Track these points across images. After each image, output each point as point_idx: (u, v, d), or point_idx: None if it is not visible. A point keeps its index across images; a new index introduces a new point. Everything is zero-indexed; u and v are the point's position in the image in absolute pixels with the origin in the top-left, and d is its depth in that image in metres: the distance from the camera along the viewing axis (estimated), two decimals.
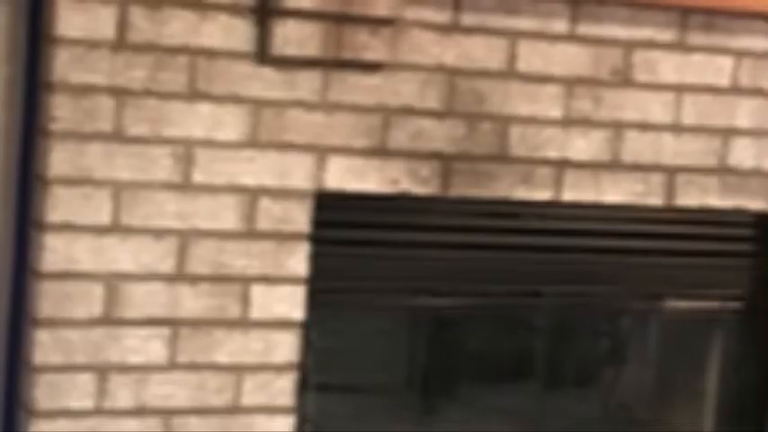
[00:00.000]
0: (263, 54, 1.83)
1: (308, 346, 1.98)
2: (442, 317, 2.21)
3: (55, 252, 1.76)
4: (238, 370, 1.89)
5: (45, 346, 1.76)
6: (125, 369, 1.81)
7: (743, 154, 2.14)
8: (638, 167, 2.09)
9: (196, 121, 1.81)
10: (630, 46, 2.06)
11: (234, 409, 1.89)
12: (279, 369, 1.91)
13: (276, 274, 1.90)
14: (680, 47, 2.09)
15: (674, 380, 2.36)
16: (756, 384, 2.32)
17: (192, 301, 1.85)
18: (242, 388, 1.89)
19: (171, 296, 1.84)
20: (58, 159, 1.74)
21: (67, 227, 1.76)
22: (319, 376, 2.06)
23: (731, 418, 2.34)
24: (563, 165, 2.04)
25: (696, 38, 2.09)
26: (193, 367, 1.86)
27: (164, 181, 1.81)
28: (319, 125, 1.89)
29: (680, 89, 2.09)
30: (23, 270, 1.82)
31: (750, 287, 2.29)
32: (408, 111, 1.94)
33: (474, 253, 2.10)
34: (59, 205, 1.76)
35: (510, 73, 2.00)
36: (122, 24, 1.75)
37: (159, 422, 1.85)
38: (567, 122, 2.04)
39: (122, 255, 1.80)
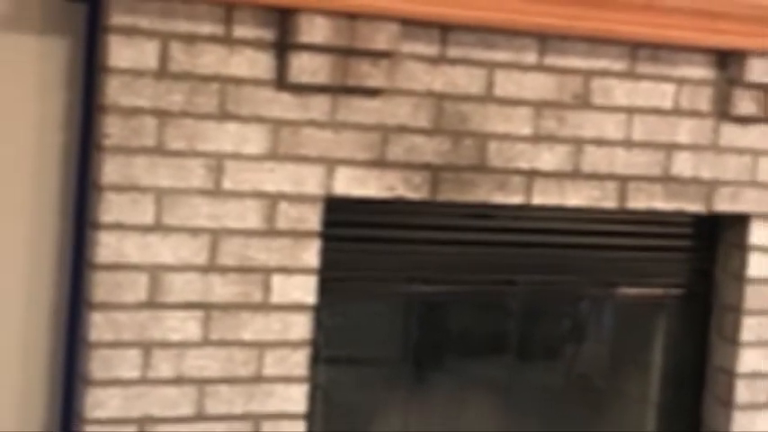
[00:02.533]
0: (281, 81, 1.83)
1: (319, 325, 1.97)
2: (432, 301, 2.20)
3: (107, 247, 1.76)
4: (261, 346, 1.89)
5: (99, 326, 1.77)
6: (166, 345, 1.82)
7: (683, 165, 2.13)
8: (595, 176, 2.07)
9: (225, 137, 1.81)
10: (589, 74, 2.05)
11: (257, 379, 1.89)
12: (294, 345, 1.91)
13: (292, 266, 1.89)
14: (630, 75, 2.08)
15: (625, 354, 2.36)
16: (694, 358, 2.31)
17: (221, 289, 1.85)
18: (264, 361, 1.89)
19: (204, 284, 1.83)
20: (110, 170, 1.74)
21: (118, 226, 1.76)
22: (328, 351, 2.05)
23: (673, 386, 2.32)
24: (532, 174, 2.03)
25: (644, 68, 2.08)
26: (223, 344, 1.86)
27: (198, 188, 1.81)
28: (328, 141, 1.88)
29: (630, 111, 2.08)
30: (81, 262, 1.81)
31: (689, 277, 2.28)
32: (403, 129, 1.93)
33: (458, 248, 2.10)
34: (111, 208, 1.76)
35: (488, 97, 1.99)
36: (163, 56, 1.76)
37: (194, 389, 1.85)
38: (536, 139, 2.03)
39: (163, 249, 1.80)
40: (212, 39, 1.77)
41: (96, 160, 1.75)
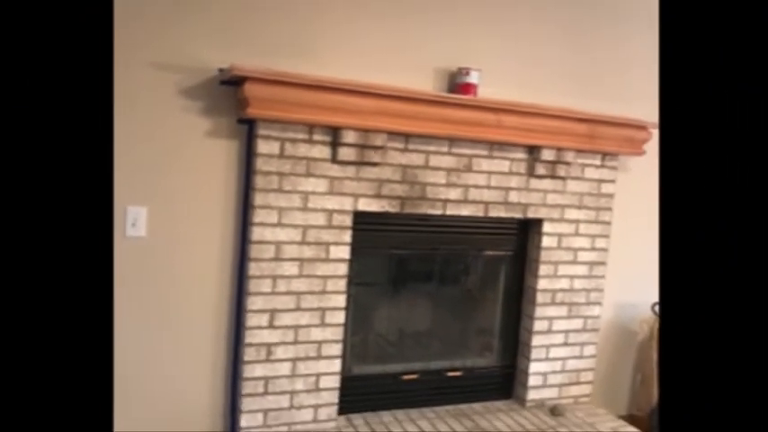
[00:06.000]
0: (333, 159, 2.12)
1: (351, 268, 2.23)
2: (402, 258, 2.45)
3: (257, 233, 2.06)
4: (325, 278, 2.18)
5: (253, 269, 2.08)
6: (282, 277, 2.12)
7: (513, 197, 2.45)
8: (474, 202, 2.36)
9: (309, 184, 2.11)
10: (471, 156, 2.35)
11: (323, 292, 2.19)
12: (340, 277, 2.20)
13: (340, 241, 2.18)
14: (490, 157, 2.38)
15: (487, 281, 2.64)
16: (518, 283, 2.63)
17: (308, 251, 2.14)
18: (327, 284, 2.19)
19: (299, 250, 2.12)
20: (258, 199, 2.05)
21: (261, 224, 2.07)
22: (356, 279, 2.32)
23: (509, 295, 2.63)
24: (446, 201, 2.32)
25: (496, 153, 2.39)
26: (308, 276, 2.15)
27: (297, 206, 2.10)
28: (355, 186, 2.17)
29: (490, 173, 2.39)
30: (245, 240, 2.10)
31: (516, 246, 2.59)
32: (388, 180, 2.22)
33: (413, 233, 2.37)
34: (258, 216, 2.06)
35: (426, 166, 2.28)
36: (281, 148, 2.06)
37: (295, 297, 2.15)
38: (448, 185, 2.31)
39: (281, 234, 2.09)
40: (303, 140, 2.08)
41: (251, 195, 2.06)
